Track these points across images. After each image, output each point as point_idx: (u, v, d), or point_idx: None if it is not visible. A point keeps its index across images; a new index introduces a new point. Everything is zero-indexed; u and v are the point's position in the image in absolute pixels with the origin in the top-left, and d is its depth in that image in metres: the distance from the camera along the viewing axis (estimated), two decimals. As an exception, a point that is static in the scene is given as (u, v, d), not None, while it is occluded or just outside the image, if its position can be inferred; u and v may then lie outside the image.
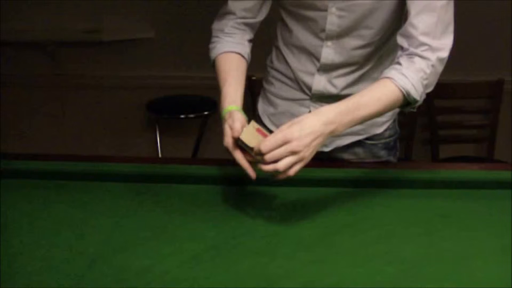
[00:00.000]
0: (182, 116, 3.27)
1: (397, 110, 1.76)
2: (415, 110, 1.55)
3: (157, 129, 3.45)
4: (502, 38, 3.27)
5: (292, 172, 1.36)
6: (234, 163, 1.48)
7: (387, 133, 1.83)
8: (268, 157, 1.35)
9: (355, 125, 1.45)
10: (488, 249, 1.42)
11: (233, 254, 1.40)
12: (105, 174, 1.74)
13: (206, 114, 3.28)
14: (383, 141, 1.83)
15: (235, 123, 1.46)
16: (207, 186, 1.70)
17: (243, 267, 1.35)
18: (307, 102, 1.77)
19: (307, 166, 1.39)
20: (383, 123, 1.80)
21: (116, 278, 1.31)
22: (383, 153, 1.84)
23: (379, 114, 1.48)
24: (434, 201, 1.62)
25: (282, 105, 1.81)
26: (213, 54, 1.71)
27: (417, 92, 1.48)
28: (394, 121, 1.84)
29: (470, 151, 3.43)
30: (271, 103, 1.85)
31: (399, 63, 1.49)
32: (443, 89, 3.27)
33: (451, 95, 3.24)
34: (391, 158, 1.87)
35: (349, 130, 1.52)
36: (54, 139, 3.70)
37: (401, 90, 1.46)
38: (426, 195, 1.65)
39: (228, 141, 1.46)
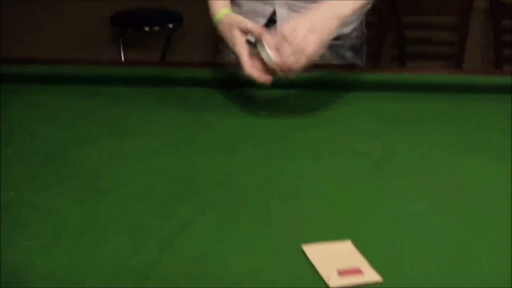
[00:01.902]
0: (147, 29, 3.18)
1: (364, 10, 1.72)
2: None
3: (121, 43, 3.36)
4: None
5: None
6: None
7: (354, 34, 1.78)
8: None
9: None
10: (452, 145, 1.43)
11: (192, 150, 1.37)
12: (63, 77, 1.68)
13: (171, 28, 3.19)
14: (349, 42, 1.78)
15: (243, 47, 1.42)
16: (171, 89, 1.65)
17: (202, 161, 1.32)
18: (272, 1, 1.71)
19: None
20: (351, 22, 1.75)
21: (71, 173, 1.28)
22: (349, 54, 1.80)
23: None
24: (401, 103, 1.60)
25: (247, 4, 1.75)
26: None
27: None
28: (361, 22, 1.79)
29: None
30: (235, 4, 1.78)
31: None
32: (412, 5, 3.23)
33: (420, 10, 3.19)
34: (358, 62, 1.83)
35: None
36: (10, 52, 3.58)
37: None
38: (394, 98, 1.63)
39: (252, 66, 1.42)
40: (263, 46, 1.37)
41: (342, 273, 0.97)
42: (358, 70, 1.75)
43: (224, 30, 1.49)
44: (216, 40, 1.78)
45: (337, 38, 1.75)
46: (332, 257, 1.01)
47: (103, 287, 0.95)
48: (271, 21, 1.72)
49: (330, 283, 0.95)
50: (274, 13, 1.72)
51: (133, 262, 1.00)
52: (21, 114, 1.52)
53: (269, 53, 1.36)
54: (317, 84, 1.66)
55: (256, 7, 1.74)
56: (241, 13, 1.73)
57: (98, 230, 1.09)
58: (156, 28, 3.19)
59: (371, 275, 0.98)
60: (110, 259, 1.01)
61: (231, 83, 1.63)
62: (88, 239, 1.06)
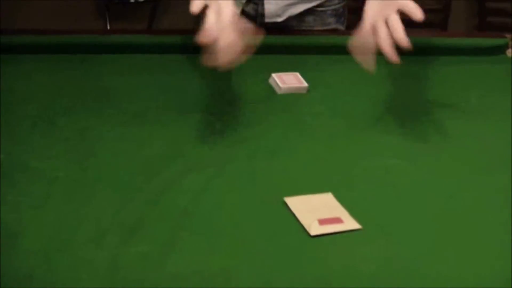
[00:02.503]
0: (132, 0, 3.18)
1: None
2: None
3: (107, 15, 3.36)
4: None
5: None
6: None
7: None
8: None
9: None
10: (436, 102, 1.47)
11: (177, 112, 1.40)
12: (50, 46, 1.68)
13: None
14: (332, 7, 1.80)
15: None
16: (157, 55, 1.66)
17: (186, 123, 1.35)
18: None
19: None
20: None
21: (59, 137, 1.30)
22: (331, 20, 1.82)
23: None
24: (385, 66, 1.62)
25: None
26: None
27: None
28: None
29: (422, 37, 3.43)
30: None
31: None
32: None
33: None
34: (340, 26, 1.85)
35: None
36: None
37: None
38: (378, 61, 1.65)
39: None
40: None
41: (322, 222, 1.00)
42: (341, 33, 1.78)
43: None
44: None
45: (320, 5, 1.78)
46: (313, 208, 1.05)
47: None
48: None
49: (311, 232, 0.99)
50: None
51: (120, 217, 1.03)
52: (9, 83, 1.53)
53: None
54: (302, 49, 1.68)
55: None
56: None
57: (86, 189, 1.12)
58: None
59: (351, 224, 1.01)
60: (97, 215, 1.04)
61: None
62: (76, 197, 1.09)
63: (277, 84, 1.47)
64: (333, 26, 1.83)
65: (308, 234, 0.99)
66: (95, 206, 1.07)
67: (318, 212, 1.03)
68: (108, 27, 3.35)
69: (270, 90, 1.49)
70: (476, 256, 0.99)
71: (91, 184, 1.13)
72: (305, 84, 1.48)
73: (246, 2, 1.75)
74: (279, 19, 1.77)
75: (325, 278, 0.92)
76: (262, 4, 1.75)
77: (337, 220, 1.02)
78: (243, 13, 1.75)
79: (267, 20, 1.75)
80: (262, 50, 1.64)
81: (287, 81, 1.48)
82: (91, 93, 1.49)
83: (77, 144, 1.27)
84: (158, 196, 1.10)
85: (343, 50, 1.67)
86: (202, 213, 1.06)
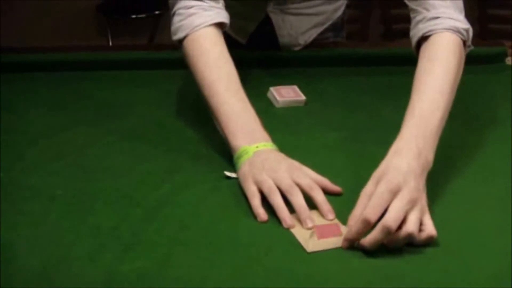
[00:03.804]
0: (134, 16, 3.20)
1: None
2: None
3: (109, 31, 3.38)
4: None
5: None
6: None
7: (336, 14, 1.79)
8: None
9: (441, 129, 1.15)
10: None
11: (175, 128, 1.41)
12: (49, 64, 1.70)
13: (158, 14, 3.21)
14: (330, 22, 1.78)
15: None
16: (157, 71, 1.68)
17: (185, 138, 1.36)
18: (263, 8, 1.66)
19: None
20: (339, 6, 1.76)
21: (57, 153, 1.31)
22: (330, 34, 1.81)
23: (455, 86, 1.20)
24: (383, 77, 1.63)
25: (236, 6, 1.52)
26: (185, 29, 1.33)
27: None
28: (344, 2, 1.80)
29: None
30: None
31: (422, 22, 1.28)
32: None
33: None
34: (339, 39, 1.85)
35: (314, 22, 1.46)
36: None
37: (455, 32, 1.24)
38: (375, 72, 1.66)
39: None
40: None
41: (320, 232, 1.00)
42: (339, 46, 1.78)
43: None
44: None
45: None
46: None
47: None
48: (262, 23, 1.69)
49: (308, 248, 0.99)
50: (266, 17, 1.68)
51: (116, 233, 1.04)
52: (9, 100, 1.54)
53: None
54: (301, 62, 1.69)
55: (246, 10, 1.66)
56: (231, 14, 1.64)
57: (84, 205, 1.12)
58: (143, 15, 3.21)
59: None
60: (94, 231, 1.04)
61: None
62: (74, 214, 1.10)
63: (275, 98, 1.48)
64: (331, 40, 1.82)
65: (304, 250, 0.99)
66: (92, 222, 1.07)
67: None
68: (110, 43, 3.37)
69: (269, 104, 1.50)
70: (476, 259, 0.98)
71: (89, 200, 1.14)
72: (303, 97, 1.48)
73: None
74: (297, 48, 1.74)
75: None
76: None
77: (335, 230, 1.01)
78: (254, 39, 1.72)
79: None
80: (261, 63, 1.67)
81: (285, 94, 1.49)
82: (91, 109, 1.50)
83: (75, 160, 1.28)
84: (155, 211, 1.10)
85: (341, 63, 1.69)
86: (199, 228, 1.06)
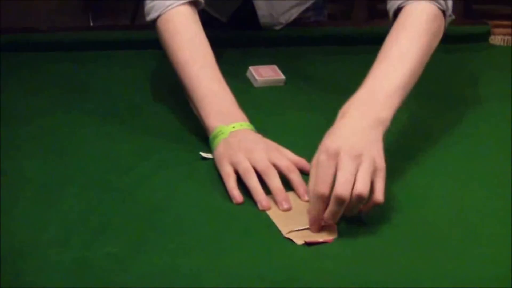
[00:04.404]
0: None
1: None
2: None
3: (90, 13, 3.33)
4: None
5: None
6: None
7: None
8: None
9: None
10: (416, 91, 1.37)
11: (153, 111, 1.38)
12: (30, 44, 1.65)
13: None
14: (312, 1, 1.74)
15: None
16: (137, 51, 1.64)
17: (161, 121, 1.33)
18: None
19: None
20: None
21: (30, 136, 1.27)
22: (311, 14, 1.78)
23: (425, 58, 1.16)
24: (364, 56, 1.59)
25: None
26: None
27: None
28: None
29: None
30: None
31: None
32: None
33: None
34: (320, 18, 1.82)
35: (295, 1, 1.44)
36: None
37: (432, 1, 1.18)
38: (356, 51, 1.63)
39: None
40: None
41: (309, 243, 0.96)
42: (320, 25, 1.76)
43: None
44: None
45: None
46: (292, 213, 1.02)
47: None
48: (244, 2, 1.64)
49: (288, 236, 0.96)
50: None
51: (88, 217, 1.01)
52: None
53: None
54: (280, 40, 1.67)
55: None
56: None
57: (55, 189, 1.09)
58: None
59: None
60: (65, 216, 1.01)
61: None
62: (45, 198, 1.06)
63: (254, 77, 1.45)
64: (312, 19, 1.79)
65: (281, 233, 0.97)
66: (63, 206, 1.04)
67: (296, 217, 1.00)
68: (91, 24, 3.32)
69: (248, 83, 1.47)
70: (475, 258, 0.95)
71: (61, 184, 1.10)
72: (282, 77, 1.45)
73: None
74: (277, 28, 1.69)
75: (297, 277, 0.90)
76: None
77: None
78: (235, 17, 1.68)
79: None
80: (241, 42, 1.64)
81: (264, 73, 1.46)
82: (68, 91, 1.46)
83: (50, 144, 1.24)
84: (128, 194, 1.07)
85: (322, 42, 1.67)
86: (173, 211, 1.03)
